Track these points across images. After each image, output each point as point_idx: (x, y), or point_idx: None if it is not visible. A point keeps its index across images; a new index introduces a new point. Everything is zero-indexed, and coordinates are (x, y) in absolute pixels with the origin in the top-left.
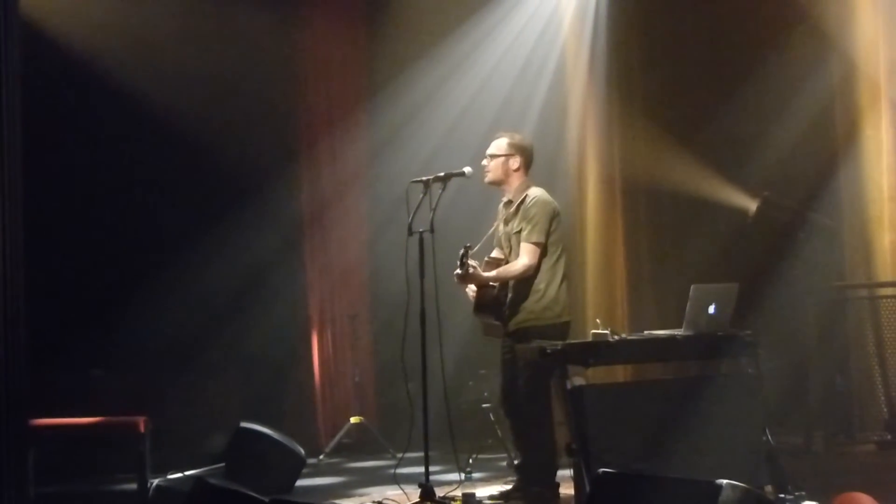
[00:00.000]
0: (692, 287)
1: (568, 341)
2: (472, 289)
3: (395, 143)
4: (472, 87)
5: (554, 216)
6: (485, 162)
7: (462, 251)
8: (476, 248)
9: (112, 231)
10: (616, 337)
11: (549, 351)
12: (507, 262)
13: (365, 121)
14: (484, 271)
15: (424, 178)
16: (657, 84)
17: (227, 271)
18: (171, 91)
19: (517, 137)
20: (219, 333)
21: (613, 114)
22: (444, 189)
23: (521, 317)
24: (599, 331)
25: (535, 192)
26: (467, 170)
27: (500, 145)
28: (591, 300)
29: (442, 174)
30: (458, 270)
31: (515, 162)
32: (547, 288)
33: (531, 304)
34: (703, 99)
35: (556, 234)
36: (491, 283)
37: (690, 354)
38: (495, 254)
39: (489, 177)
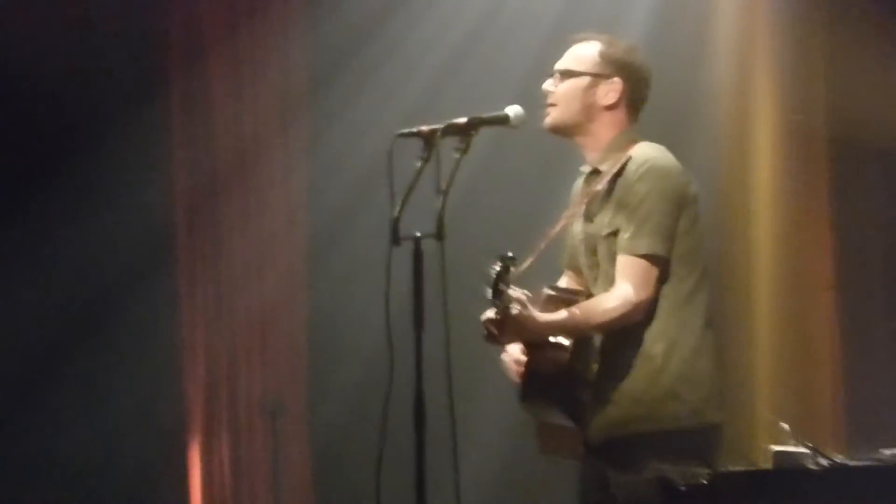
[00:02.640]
0: None
1: (722, 467)
2: (516, 353)
3: (363, 63)
4: None
5: (685, 202)
6: (549, 85)
7: (498, 267)
8: (526, 265)
9: None
10: (825, 461)
11: (682, 488)
12: (589, 297)
13: (303, 22)
14: (543, 311)
15: (424, 130)
16: None
17: (26, 316)
18: None
19: (619, 47)
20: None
21: (816, 20)
22: (465, 152)
23: (619, 412)
24: (786, 448)
25: (647, 154)
26: (513, 111)
27: (582, 56)
28: (763, 379)
29: (463, 120)
30: (491, 313)
31: (612, 92)
32: (672, 350)
33: (640, 384)
34: None
35: (691, 237)
36: (556, 340)
37: None
38: (565, 281)
39: (555, 116)
